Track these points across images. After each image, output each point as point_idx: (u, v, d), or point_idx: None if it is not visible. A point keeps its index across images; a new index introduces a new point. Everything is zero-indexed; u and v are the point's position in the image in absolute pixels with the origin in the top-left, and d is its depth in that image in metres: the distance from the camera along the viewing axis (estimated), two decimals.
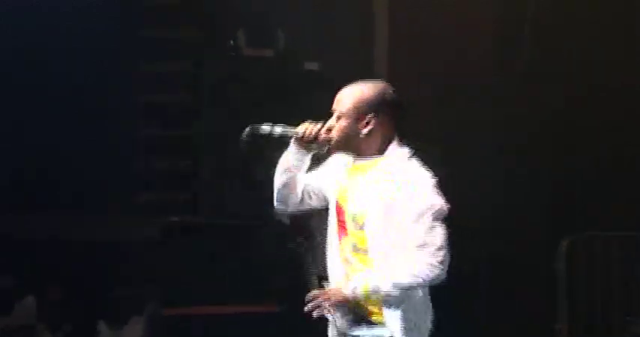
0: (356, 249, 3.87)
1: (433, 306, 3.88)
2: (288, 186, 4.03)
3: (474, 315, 7.56)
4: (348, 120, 3.87)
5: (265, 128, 3.96)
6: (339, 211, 3.93)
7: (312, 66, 8.96)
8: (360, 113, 3.86)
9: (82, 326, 8.04)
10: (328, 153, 4.04)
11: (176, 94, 9.44)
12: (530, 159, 8.19)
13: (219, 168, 8.74)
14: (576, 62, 8.13)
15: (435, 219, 3.74)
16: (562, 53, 8.18)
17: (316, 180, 4.05)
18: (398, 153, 3.88)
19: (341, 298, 3.80)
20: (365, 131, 3.84)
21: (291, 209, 4.10)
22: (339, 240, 3.93)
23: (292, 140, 3.97)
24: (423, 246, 3.71)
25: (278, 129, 3.96)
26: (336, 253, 3.94)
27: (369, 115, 3.85)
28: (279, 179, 4.04)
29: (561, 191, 8.12)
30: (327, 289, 3.89)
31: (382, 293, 3.73)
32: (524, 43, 8.36)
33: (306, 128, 3.94)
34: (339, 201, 3.93)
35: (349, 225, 3.88)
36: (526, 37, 8.37)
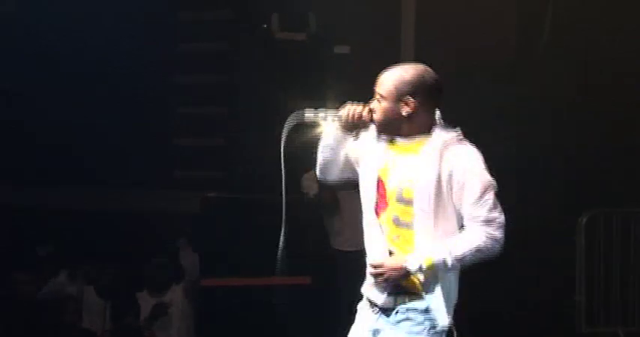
0: (398, 222, 3.94)
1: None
2: (329, 162, 4.13)
3: (495, 287, 7.66)
4: (389, 102, 3.94)
5: (309, 115, 4.06)
6: (380, 185, 3.98)
7: (343, 49, 9.06)
8: (400, 95, 3.92)
9: (124, 296, 8.21)
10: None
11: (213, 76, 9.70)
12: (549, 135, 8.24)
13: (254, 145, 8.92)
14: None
15: (496, 196, 3.86)
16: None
17: (354, 152, 4.11)
18: (446, 134, 3.93)
19: (404, 273, 3.88)
20: (405, 112, 3.93)
21: (332, 181, 4.21)
22: (377, 213, 3.99)
23: (334, 121, 4.05)
24: (489, 221, 3.83)
25: (321, 114, 4.06)
26: (374, 225, 3.99)
27: (409, 97, 3.91)
28: (321, 155, 4.15)
29: (581, 166, 8.15)
30: (389, 261, 3.92)
31: (447, 267, 3.83)
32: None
33: (349, 110, 4.02)
34: (381, 175, 3.98)
35: (391, 199, 3.94)
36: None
